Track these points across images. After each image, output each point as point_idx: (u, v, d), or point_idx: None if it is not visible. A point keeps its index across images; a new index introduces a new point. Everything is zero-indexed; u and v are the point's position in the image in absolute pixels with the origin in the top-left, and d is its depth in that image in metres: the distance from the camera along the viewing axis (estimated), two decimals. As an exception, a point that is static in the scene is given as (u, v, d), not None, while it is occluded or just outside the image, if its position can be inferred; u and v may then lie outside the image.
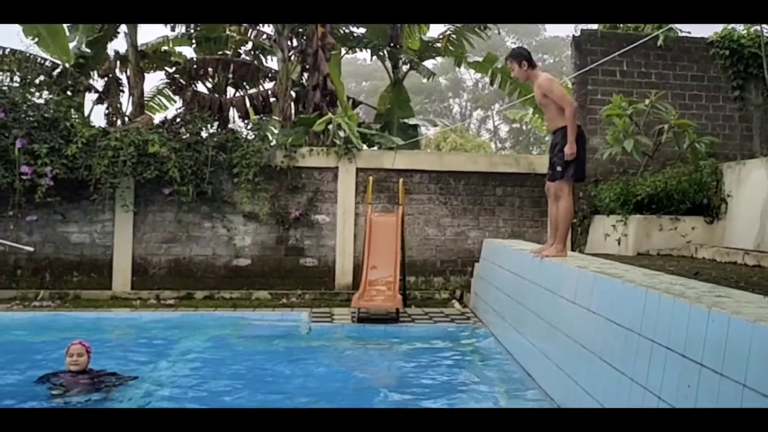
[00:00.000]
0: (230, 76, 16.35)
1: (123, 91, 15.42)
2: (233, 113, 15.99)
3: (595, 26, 12.64)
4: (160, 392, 6.33)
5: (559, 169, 7.18)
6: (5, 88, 11.47)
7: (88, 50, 14.82)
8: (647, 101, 11.05)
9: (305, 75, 15.66)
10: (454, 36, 16.96)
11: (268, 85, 16.62)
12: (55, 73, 14.17)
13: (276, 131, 14.28)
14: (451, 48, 16.74)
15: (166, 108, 17.15)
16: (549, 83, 7.21)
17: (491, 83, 16.85)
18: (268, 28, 16.06)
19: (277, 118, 15.27)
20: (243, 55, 16.80)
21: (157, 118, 14.60)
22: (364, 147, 12.68)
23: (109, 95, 15.12)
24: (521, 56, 7.33)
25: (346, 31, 16.77)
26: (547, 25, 50.99)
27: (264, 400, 6.16)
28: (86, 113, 14.12)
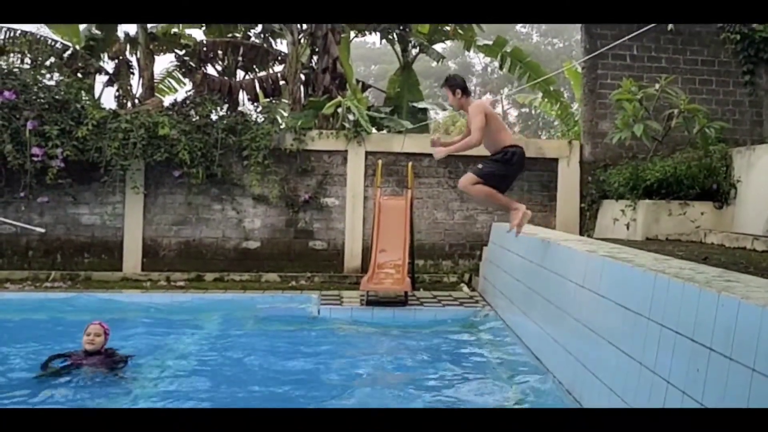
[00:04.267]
0: (240, 59, 16.32)
1: (133, 74, 15.41)
2: (243, 96, 15.96)
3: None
4: (165, 377, 6.37)
5: (480, 165, 7.06)
6: (16, 69, 11.52)
7: (99, 32, 14.83)
8: (657, 86, 11.01)
9: (315, 58, 15.61)
10: (463, 19, 16.86)
11: (278, 68, 16.59)
12: (65, 55, 14.19)
13: (285, 114, 14.26)
14: (460, 32, 16.63)
15: (176, 90, 17.13)
16: (473, 110, 6.97)
17: (501, 67, 16.76)
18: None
19: (286, 101, 15.24)
20: (252, 38, 16.75)
21: (167, 100, 14.61)
22: (374, 130, 12.68)
23: (119, 77, 15.11)
24: (456, 85, 7.15)
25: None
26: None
27: (271, 385, 6.19)
28: (96, 95, 14.13)
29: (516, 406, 5.55)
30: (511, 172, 7.18)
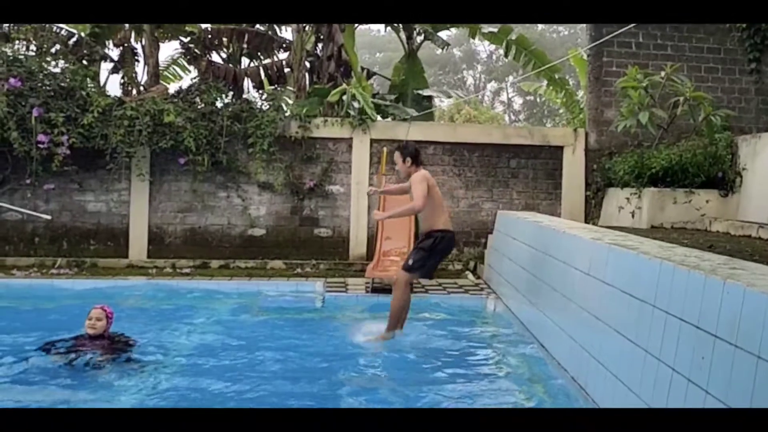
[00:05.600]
0: (245, 46, 16.30)
1: (138, 61, 15.39)
2: (248, 83, 15.98)
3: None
4: (168, 363, 6.37)
5: (410, 261, 7.38)
6: (22, 57, 11.51)
7: (103, 19, 14.82)
8: (663, 73, 11.00)
9: (320, 45, 15.61)
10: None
11: (283, 55, 16.57)
12: (70, 42, 14.17)
13: (290, 102, 14.30)
14: (465, 19, 16.58)
15: (181, 78, 17.12)
16: (416, 178, 7.30)
17: (505, 55, 16.70)
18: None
19: (291, 88, 15.27)
20: (257, 26, 16.73)
21: (172, 87, 14.61)
22: (378, 118, 12.69)
23: (124, 65, 15.11)
24: (408, 154, 7.50)
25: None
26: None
27: (271, 373, 6.20)
28: (102, 82, 14.15)
29: (518, 405, 5.54)
30: (436, 258, 7.57)
